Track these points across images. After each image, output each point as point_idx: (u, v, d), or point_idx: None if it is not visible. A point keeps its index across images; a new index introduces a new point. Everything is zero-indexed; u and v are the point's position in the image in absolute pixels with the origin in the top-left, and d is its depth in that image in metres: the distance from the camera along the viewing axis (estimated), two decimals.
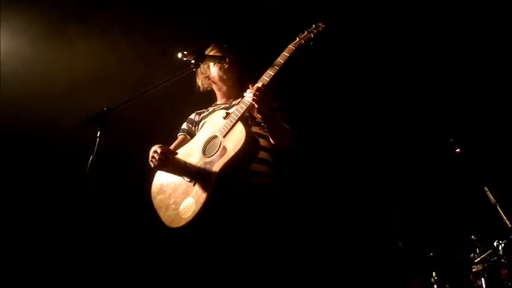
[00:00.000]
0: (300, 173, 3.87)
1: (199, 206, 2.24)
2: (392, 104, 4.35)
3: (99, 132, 2.16)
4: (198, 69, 2.73)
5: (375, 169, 4.36)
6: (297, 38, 2.47)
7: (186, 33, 3.96)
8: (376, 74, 4.32)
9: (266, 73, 2.39)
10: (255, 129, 2.44)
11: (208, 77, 2.77)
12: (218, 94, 2.81)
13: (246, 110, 2.34)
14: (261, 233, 2.31)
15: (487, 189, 3.38)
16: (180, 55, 2.46)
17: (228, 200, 2.32)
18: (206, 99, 2.90)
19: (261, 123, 2.46)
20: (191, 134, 2.72)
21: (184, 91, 2.98)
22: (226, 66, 2.67)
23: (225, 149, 2.29)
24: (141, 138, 3.91)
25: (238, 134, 2.28)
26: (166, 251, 3.84)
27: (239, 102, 2.42)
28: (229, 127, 2.32)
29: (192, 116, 2.80)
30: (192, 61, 2.47)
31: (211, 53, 2.69)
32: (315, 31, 2.47)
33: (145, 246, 4.00)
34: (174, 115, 3.00)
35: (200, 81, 2.83)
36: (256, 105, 2.29)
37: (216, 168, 2.27)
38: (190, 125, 2.77)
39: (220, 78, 2.72)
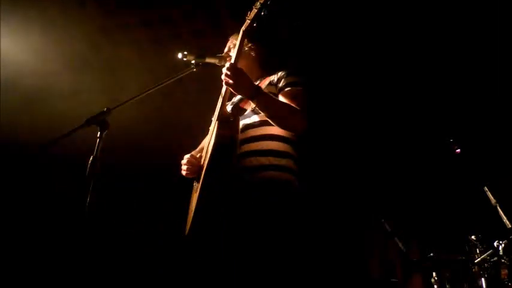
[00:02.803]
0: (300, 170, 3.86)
1: (191, 212, 2.24)
2: (392, 104, 4.35)
3: (99, 133, 2.16)
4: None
5: (374, 169, 4.36)
6: (246, 19, 2.31)
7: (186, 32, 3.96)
8: (375, 74, 4.32)
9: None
10: (252, 119, 2.39)
11: None
12: None
13: (222, 103, 2.32)
14: (257, 230, 2.22)
15: (487, 189, 3.37)
16: (180, 55, 2.45)
17: (222, 201, 2.27)
18: (206, 99, 2.88)
19: (254, 113, 2.40)
20: None
21: (185, 91, 2.98)
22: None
23: (208, 150, 2.28)
24: (140, 139, 3.95)
25: (213, 133, 2.26)
26: (166, 252, 3.84)
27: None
28: (213, 127, 2.30)
29: None
30: (192, 61, 2.45)
31: (232, 43, 2.60)
32: (258, 4, 2.26)
33: (145, 246, 4.00)
34: (174, 115, 3.00)
35: None
36: (231, 82, 2.20)
37: (204, 171, 2.24)
38: None
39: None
